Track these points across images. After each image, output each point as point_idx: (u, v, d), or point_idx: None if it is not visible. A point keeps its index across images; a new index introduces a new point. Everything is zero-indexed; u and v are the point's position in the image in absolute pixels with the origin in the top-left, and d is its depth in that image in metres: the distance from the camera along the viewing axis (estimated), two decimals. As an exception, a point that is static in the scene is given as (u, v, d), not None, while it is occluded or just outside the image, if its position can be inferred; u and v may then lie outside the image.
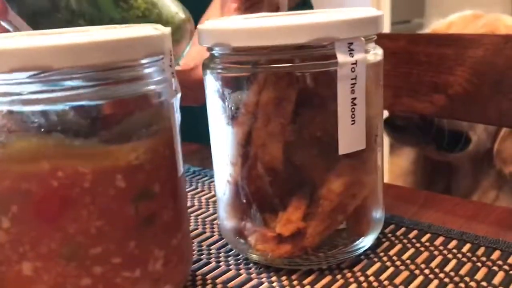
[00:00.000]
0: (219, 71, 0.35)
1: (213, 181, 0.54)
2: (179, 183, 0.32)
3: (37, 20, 0.42)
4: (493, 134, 0.82)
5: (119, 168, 0.28)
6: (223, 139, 0.36)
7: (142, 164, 0.29)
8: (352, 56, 0.32)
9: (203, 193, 0.52)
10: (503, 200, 0.83)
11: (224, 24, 0.34)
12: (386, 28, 3.32)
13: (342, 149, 0.34)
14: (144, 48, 0.28)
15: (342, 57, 0.32)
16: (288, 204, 0.35)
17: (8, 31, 0.42)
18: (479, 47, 0.61)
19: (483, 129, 0.82)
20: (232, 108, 0.35)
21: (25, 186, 0.27)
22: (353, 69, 0.33)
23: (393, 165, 0.97)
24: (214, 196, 0.51)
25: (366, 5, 3.05)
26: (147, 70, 0.29)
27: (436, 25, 0.87)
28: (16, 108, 0.26)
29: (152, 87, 0.30)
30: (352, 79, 0.33)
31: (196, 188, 0.54)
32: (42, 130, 0.27)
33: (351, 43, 0.32)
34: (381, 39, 0.74)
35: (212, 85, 0.36)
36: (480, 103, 0.61)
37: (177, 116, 0.32)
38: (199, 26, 0.36)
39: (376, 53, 0.35)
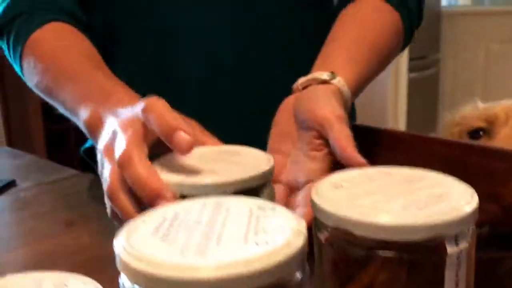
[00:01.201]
0: (333, 245, 0.40)
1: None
2: None
3: None
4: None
5: None
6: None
7: None
8: (458, 246, 0.37)
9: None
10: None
11: (346, 210, 0.38)
12: (404, 64, 3.39)
13: (446, 322, 0.38)
14: (298, 262, 0.33)
15: (450, 249, 0.37)
16: None
17: None
18: (531, 165, 0.65)
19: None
20: (343, 280, 0.40)
21: None
22: (458, 257, 0.37)
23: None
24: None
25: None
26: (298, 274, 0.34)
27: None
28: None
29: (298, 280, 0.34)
30: (457, 265, 0.37)
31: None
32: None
33: (458, 235, 0.37)
34: (434, 145, 0.78)
35: (324, 254, 0.41)
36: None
37: None
38: (314, 198, 0.41)
39: (472, 235, 0.40)
